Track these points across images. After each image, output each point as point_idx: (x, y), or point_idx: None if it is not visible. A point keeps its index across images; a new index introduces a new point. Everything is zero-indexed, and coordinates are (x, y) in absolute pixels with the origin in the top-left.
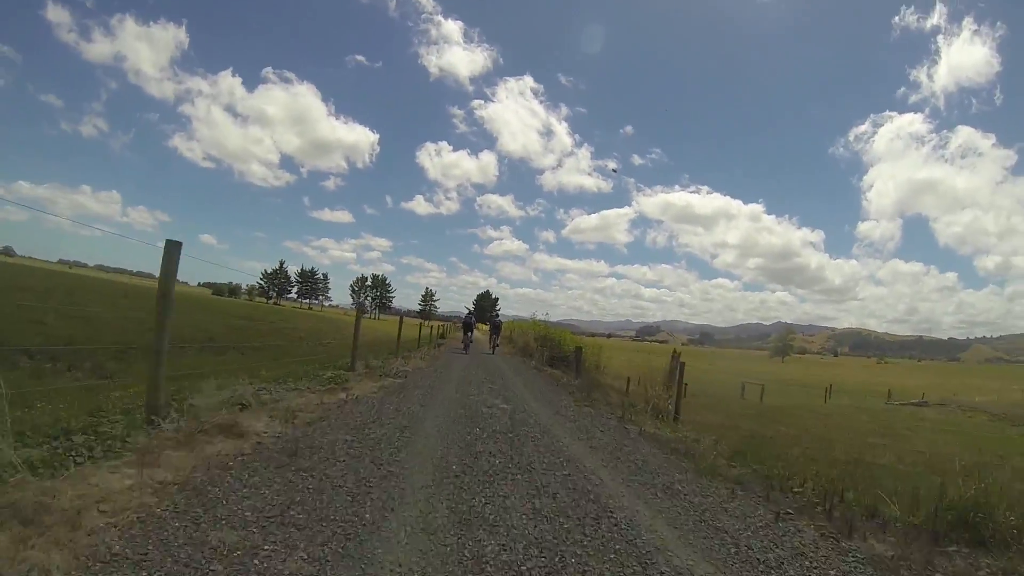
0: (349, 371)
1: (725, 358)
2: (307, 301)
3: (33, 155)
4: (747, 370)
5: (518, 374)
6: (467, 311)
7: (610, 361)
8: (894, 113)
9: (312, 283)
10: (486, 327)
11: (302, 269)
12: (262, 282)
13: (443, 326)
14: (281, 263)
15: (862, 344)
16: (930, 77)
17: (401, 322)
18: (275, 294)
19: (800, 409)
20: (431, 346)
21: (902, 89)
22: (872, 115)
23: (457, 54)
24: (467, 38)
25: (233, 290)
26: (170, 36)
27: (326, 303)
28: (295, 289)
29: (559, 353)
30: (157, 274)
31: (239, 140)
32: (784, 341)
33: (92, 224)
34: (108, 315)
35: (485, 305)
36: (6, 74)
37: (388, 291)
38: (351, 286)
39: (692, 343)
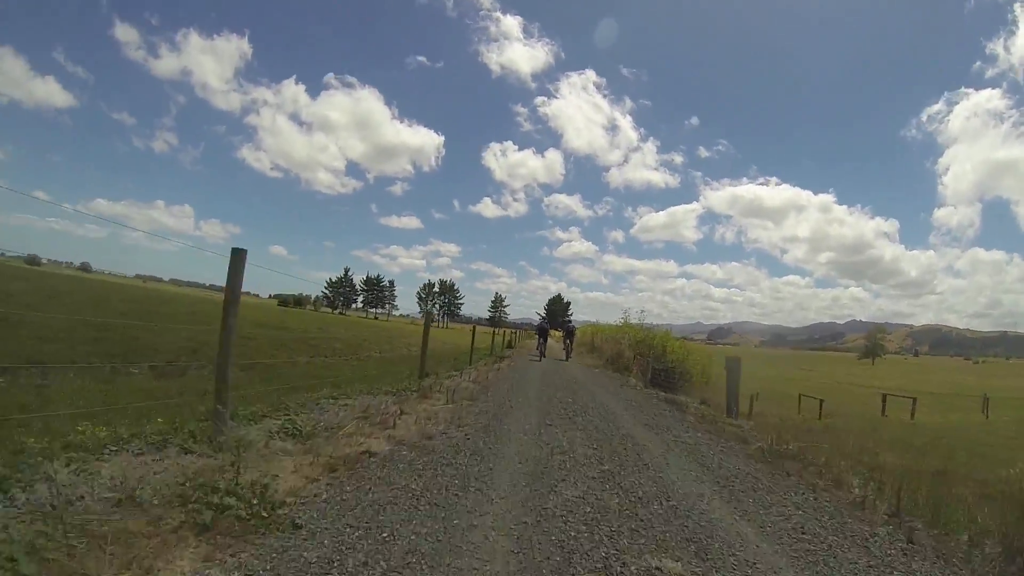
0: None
1: (814, 362)
2: (374, 310)
3: (109, 173)
4: (849, 376)
5: (620, 400)
6: (540, 317)
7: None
8: (970, 89)
9: (378, 291)
10: (559, 333)
11: (367, 277)
12: (327, 291)
13: (514, 333)
14: (346, 271)
15: (942, 342)
16: (1007, 49)
17: (475, 331)
18: (340, 303)
19: (978, 431)
20: (494, 359)
21: (977, 63)
22: (946, 93)
23: (518, 50)
24: (527, 33)
25: (299, 300)
26: (233, 48)
27: (393, 312)
28: (360, 298)
29: (662, 365)
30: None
31: (305, 148)
32: (874, 341)
33: (167, 237)
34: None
35: (557, 310)
36: (80, 95)
37: (456, 297)
38: (418, 293)
39: (764, 345)
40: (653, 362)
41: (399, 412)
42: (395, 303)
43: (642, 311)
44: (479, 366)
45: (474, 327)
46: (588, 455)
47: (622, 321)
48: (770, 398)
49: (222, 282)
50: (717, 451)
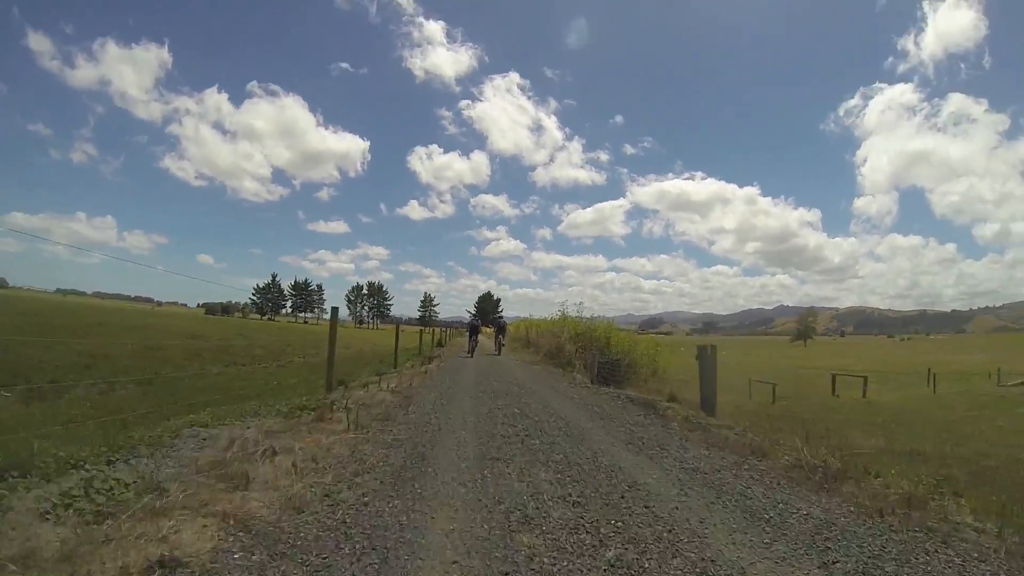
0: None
1: (749, 347)
2: (303, 315)
3: (26, 185)
4: (787, 359)
5: (578, 405)
6: (471, 315)
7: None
8: (884, 84)
9: (306, 295)
10: (491, 329)
11: (295, 282)
12: (254, 298)
13: (444, 332)
14: (273, 276)
15: (866, 323)
16: (918, 45)
17: (398, 331)
18: (269, 309)
19: (931, 406)
20: (422, 359)
21: (890, 59)
22: (862, 87)
23: (441, 55)
24: (450, 38)
25: (226, 308)
26: (153, 56)
27: (323, 316)
28: (289, 303)
29: (607, 358)
30: (156, 298)
31: (229, 157)
32: (805, 324)
33: (89, 250)
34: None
35: (487, 307)
36: None
37: (386, 299)
38: (347, 296)
39: (695, 332)
40: (599, 355)
41: (271, 452)
42: (324, 307)
43: (580, 303)
44: (404, 369)
45: (398, 326)
46: (571, 523)
47: (559, 314)
48: (719, 387)
49: (148, 294)
50: (747, 480)
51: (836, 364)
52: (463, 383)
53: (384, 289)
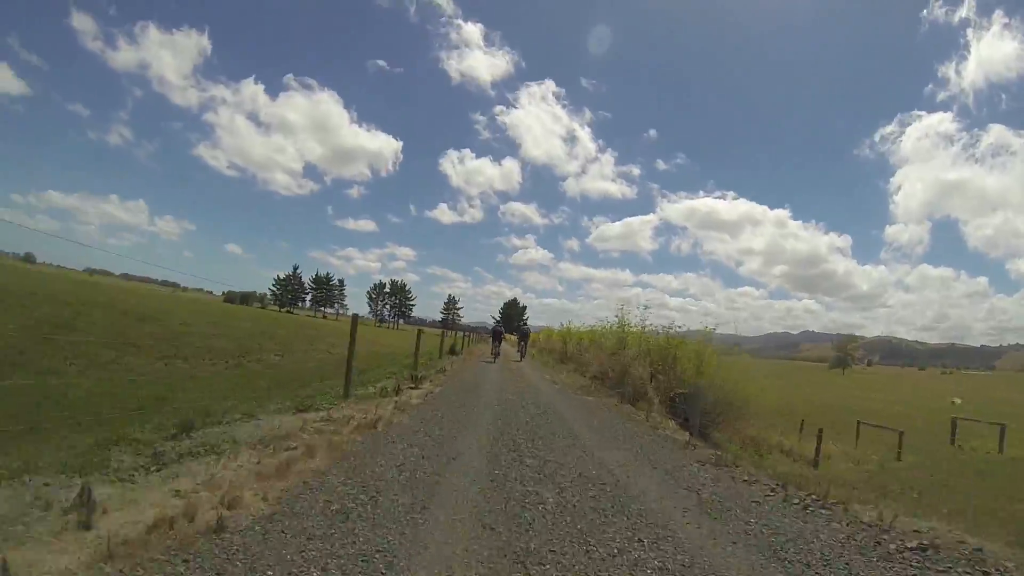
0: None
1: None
2: (328, 310)
3: (62, 165)
4: (841, 390)
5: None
6: (495, 321)
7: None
8: (922, 112)
9: (327, 290)
10: (514, 337)
11: (316, 275)
12: (273, 288)
13: (466, 336)
14: (295, 268)
15: (892, 353)
16: (959, 73)
17: (420, 335)
18: (288, 301)
19: None
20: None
21: (930, 86)
22: (899, 114)
23: (478, 58)
24: (488, 42)
25: (245, 297)
26: (192, 43)
27: (342, 311)
28: (308, 296)
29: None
30: (182, 284)
31: (262, 148)
32: (845, 351)
33: (119, 233)
34: None
35: (512, 314)
36: (34, 84)
37: (408, 298)
38: (368, 293)
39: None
40: (690, 390)
41: None
42: (344, 303)
43: (644, 306)
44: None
45: (419, 331)
46: None
47: (617, 322)
48: (812, 425)
49: (174, 279)
50: None
51: (901, 398)
52: (462, 445)
53: (407, 288)
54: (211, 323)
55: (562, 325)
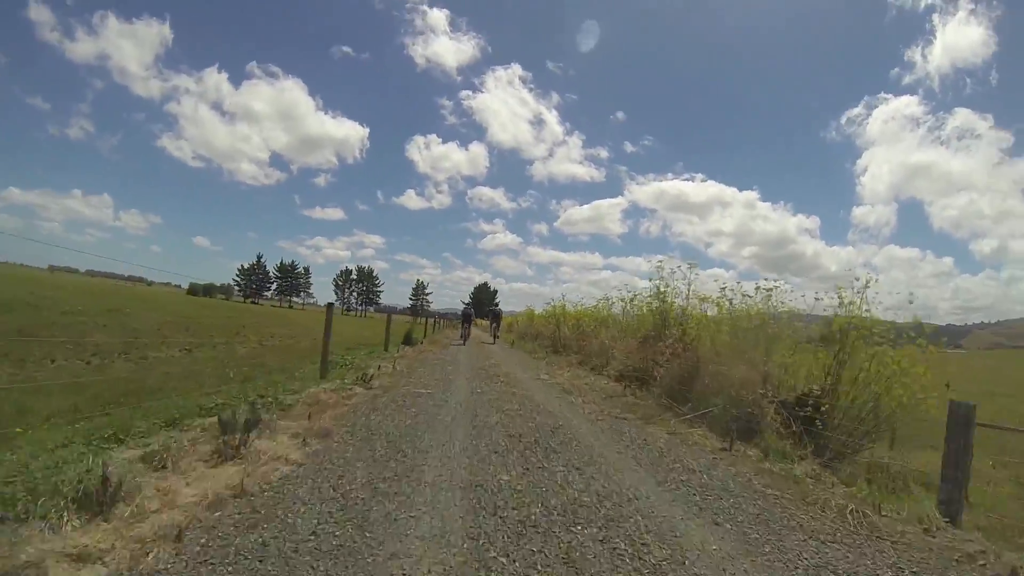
0: None
1: None
2: (289, 299)
3: (22, 160)
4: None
5: None
6: (464, 304)
7: None
8: (889, 95)
9: (292, 279)
10: (485, 321)
11: (281, 263)
12: (237, 279)
13: (436, 322)
14: (259, 257)
15: None
16: (925, 57)
17: (389, 321)
18: (252, 292)
19: None
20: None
21: (896, 70)
22: (866, 97)
23: (444, 44)
24: (454, 27)
25: (208, 289)
26: (154, 32)
27: (308, 300)
28: (274, 286)
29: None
30: (148, 278)
31: (227, 138)
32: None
33: (84, 229)
34: None
35: (483, 298)
36: None
37: (375, 285)
38: (334, 280)
39: None
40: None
41: None
42: (310, 291)
43: (690, 265)
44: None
45: (389, 316)
46: None
47: (654, 291)
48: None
49: (140, 274)
50: None
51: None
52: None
53: (374, 275)
54: (109, 310)
55: (551, 303)
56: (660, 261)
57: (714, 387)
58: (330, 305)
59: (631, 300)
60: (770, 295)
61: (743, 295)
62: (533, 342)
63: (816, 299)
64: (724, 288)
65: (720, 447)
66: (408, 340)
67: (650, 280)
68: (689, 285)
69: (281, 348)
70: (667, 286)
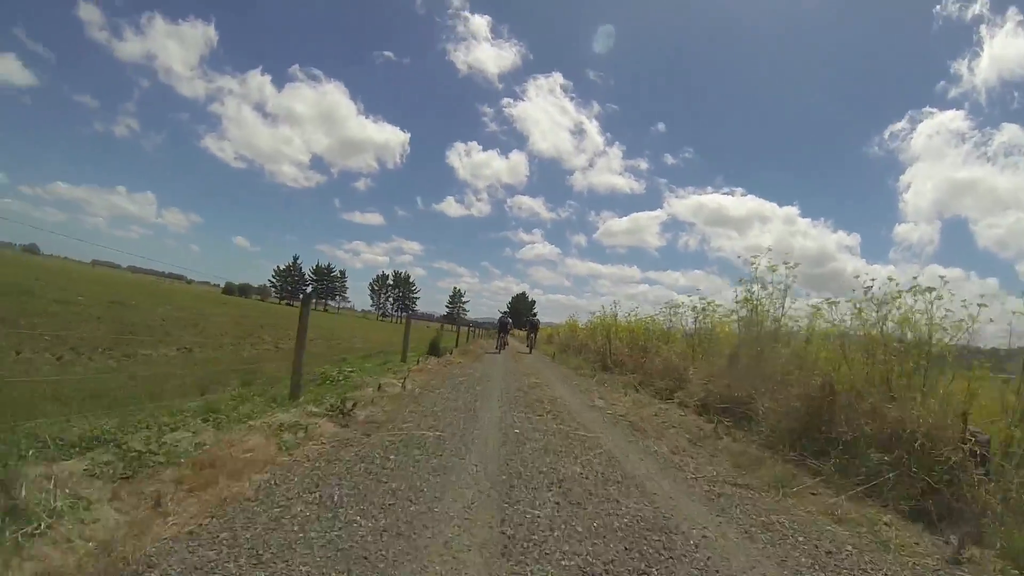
0: None
1: None
2: (325, 301)
3: (70, 156)
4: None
5: None
6: (502, 313)
7: None
8: (934, 109)
9: (328, 281)
10: (522, 332)
11: (317, 265)
12: (273, 280)
13: (472, 331)
14: (295, 258)
15: None
16: (971, 70)
17: (408, 326)
18: (287, 293)
19: None
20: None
21: (941, 83)
22: (910, 111)
23: (485, 50)
24: (495, 33)
25: (243, 289)
26: (199, 33)
27: (343, 304)
28: (309, 288)
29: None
30: (188, 276)
31: (269, 140)
32: None
33: (128, 225)
34: None
35: (521, 308)
36: (42, 74)
37: (412, 290)
38: (370, 285)
39: None
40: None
41: None
42: (346, 295)
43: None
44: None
45: (408, 320)
46: None
47: (744, 290)
48: None
49: (181, 271)
50: None
51: None
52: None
53: (411, 280)
54: (112, 302)
55: (596, 314)
56: (755, 257)
57: (854, 427)
58: (307, 298)
59: (703, 310)
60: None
61: (894, 300)
62: (577, 356)
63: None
64: (867, 292)
65: (939, 554)
66: (434, 349)
67: (740, 283)
68: (786, 290)
69: (293, 352)
70: (764, 289)
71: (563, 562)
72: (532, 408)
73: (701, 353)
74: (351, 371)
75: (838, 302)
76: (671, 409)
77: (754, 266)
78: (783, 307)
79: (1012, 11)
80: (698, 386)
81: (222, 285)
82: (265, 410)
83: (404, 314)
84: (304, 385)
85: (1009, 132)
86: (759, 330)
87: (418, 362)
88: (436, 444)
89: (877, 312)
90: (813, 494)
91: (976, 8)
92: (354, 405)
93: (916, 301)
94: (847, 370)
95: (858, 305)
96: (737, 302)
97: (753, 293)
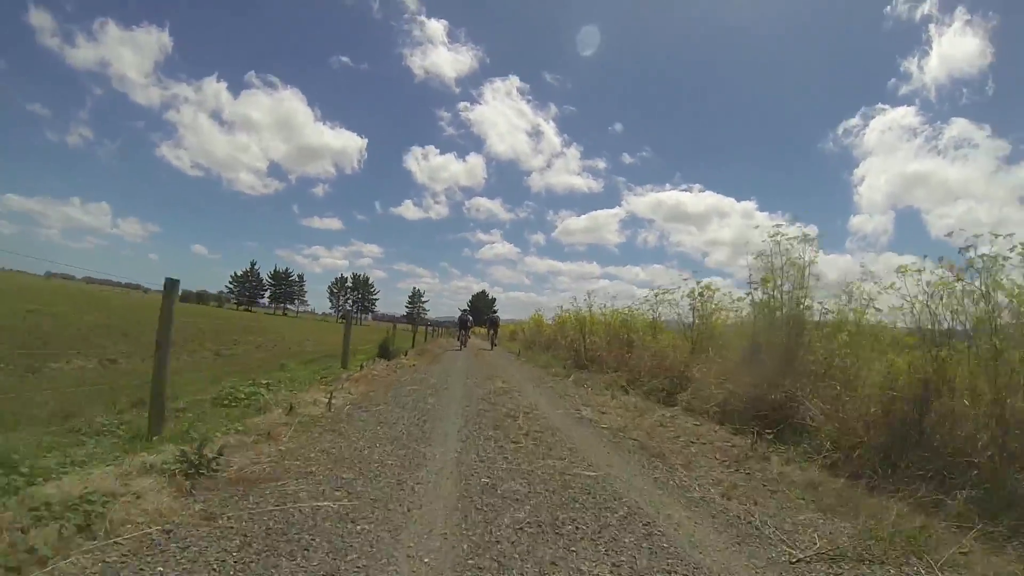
0: None
1: None
2: (284, 306)
3: (21, 166)
4: None
5: None
6: (462, 311)
7: None
8: (886, 106)
9: (286, 286)
10: (483, 329)
11: (275, 271)
12: (230, 286)
13: (432, 331)
14: (252, 264)
15: None
16: (921, 68)
17: (348, 326)
18: (245, 299)
19: None
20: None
21: (892, 80)
22: (863, 108)
23: (442, 55)
24: (452, 38)
25: (200, 295)
26: (153, 40)
27: (303, 308)
28: (268, 293)
29: None
30: (145, 284)
31: (226, 147)
32: None
33: (83, 237)
34: None
35: (481, 306)
36: None
37: (371, 292)
38: (329, 288)
39: None
40: None
41: None
42: (305, 299)
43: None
44: None
45: (348, 321)
46: None
47: (762, 264)
48: None
49: (137, 281)
50: None
51: None
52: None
53: (370, 282)
54: (29, 311)
55: (572, 306)
56: (778, 226)
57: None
58: (171, 284)
59: (701, 295)
60: None
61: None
62: (545, 353)
63: None
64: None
65: None
66: (384, 351)
67: (753, 258)
68: (809, 265)
69: (232, 360)
70: (787, 261)
71: None
72: (503, 429)
73: (706, 346)
74: (267, 383)
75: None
76: (679, 417)
77: (774, 237)
78: (804, 287)
79: (960, 11)
80: (710, 387)
81: (180, 293)
82: (94, 459)
83: (364, 316)
84: (197, 408)
85: (958, 126)
86: (787, 314)
87: (361, 367)
88: (337, 531)
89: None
90: (963, 553)
91: (925, 8)
92: (220, 451)
93: None
94: (957, 366)
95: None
96: (752, 283)
97: (779, 266)
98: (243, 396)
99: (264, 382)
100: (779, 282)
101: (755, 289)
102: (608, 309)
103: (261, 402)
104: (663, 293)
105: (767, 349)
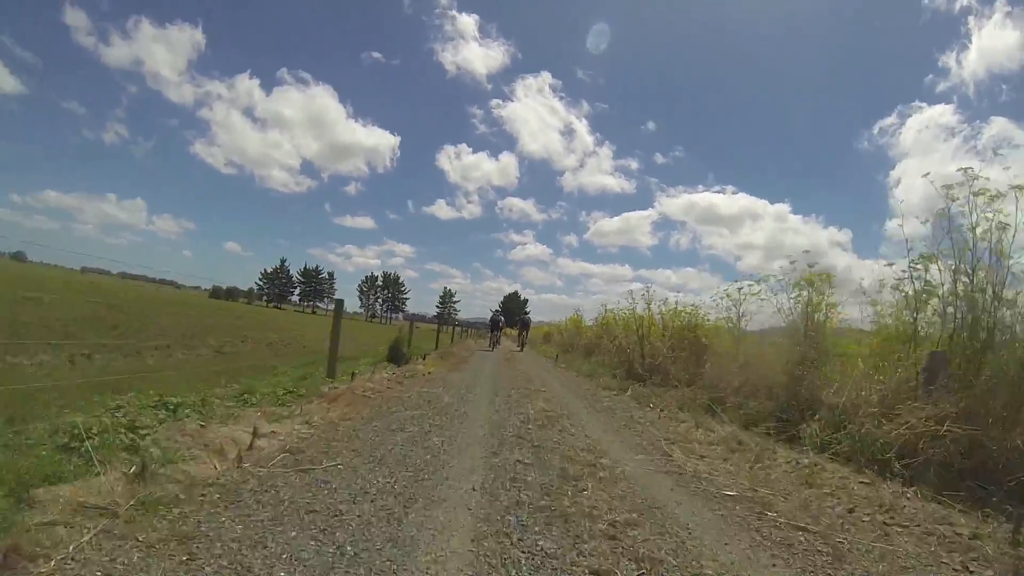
0: None
1: None
2: (313, 303)
3: (59, 164)
4: None
5: None
6: (493, 311)
7: None
8: (923, 103)
9: (316, 283)
10: (513, 331)
11: (304, 268)
12: (260, 283)
13: (464, 331)
14: (282, 261)
15: None
16: (959, 63)
17: (336, 320)
18: (275, 296)
19: None
20: None
21: (929, 76)
22: (899, 106)
23: (473, 50)
24: (483, 32)
25: (230, 292)
26: (186, 37)
27: (332, 306)
28: (297, 291)
29: None
30: (179, 281)
31: (259, 145)
32: None
33: (118, 232)
34: None
35: (513, 307)
36: (29, 81)
37: (401, 291)
38: (359, 286)
39: None
40: None
41: None
42: (335, 296)
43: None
44: None
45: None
46: None
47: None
48: None
49: (171, 277)
50: None
51: None
52: None
53: (400, 281)
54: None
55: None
56: (966, 169)
57: None
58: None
59: (812, 284)
60: None
61: None
62: (587, 360)
63: None
64: None
65: None
66: (394, 355)
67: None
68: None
69: (229, 358)
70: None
71: None
72: (566, 520)
73: (825, 357)
74: (178, 404)
75: None
76: (823, 465)
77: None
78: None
79: (1000, 2)
80: (858, 417)
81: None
82: None
83: (394, 315)
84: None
85: (998, 125)
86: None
87: (352, 377)
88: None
89: None
90: None
91: (964, 0)
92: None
93: None
94: None
95: None
96: (913, 262)
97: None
98: (96, 433)
99: (177, 401)
100: (975, 256)
101: (922, 266)
102: (669, 307)
103: (103, 451)
104: (756, 283)
105: (969, 365)
